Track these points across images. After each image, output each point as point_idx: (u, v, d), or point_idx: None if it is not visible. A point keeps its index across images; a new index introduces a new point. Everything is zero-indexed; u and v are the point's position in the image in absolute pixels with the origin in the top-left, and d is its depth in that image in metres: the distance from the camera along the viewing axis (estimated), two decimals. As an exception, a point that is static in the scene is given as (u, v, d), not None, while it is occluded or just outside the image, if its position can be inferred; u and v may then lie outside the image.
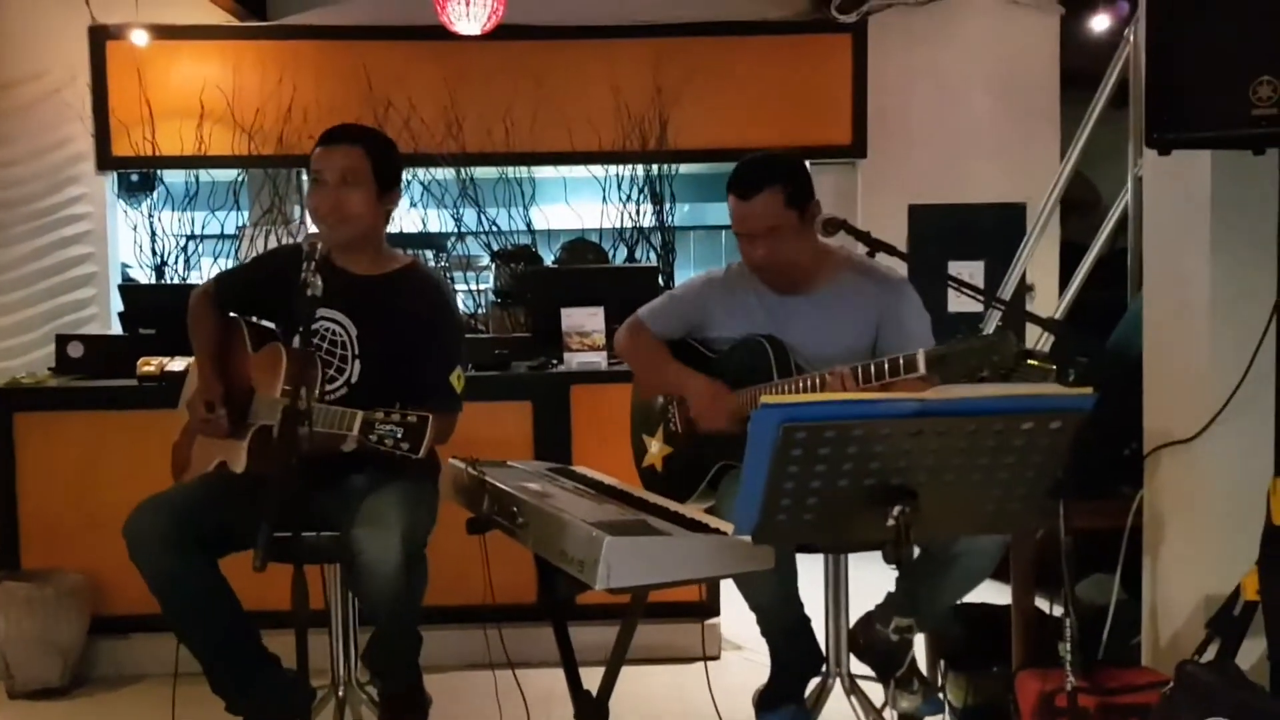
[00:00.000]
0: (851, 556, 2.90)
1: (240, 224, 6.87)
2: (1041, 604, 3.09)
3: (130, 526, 2.68)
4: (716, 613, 4.08)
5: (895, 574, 2.33)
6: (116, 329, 5.12)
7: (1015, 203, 6.58)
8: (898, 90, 6.74)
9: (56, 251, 6.54)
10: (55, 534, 4.05)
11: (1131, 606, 3.06)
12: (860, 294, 2.92)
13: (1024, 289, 6.15)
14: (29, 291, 6.50)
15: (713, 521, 2.25)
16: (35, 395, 4.14)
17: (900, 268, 3.06)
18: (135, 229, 6.82)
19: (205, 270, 6.83)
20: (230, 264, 6.63)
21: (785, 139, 6.36)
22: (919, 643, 3.32)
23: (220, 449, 2.86)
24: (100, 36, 6.46)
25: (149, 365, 3.99)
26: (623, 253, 6.85)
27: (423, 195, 6.86)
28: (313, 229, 2.89)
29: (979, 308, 4.40)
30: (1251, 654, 2.52)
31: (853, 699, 2.92)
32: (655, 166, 6.77)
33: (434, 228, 7.07)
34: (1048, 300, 6.33)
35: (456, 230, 6.97)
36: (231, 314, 3.03)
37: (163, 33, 6.40)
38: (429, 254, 7.22)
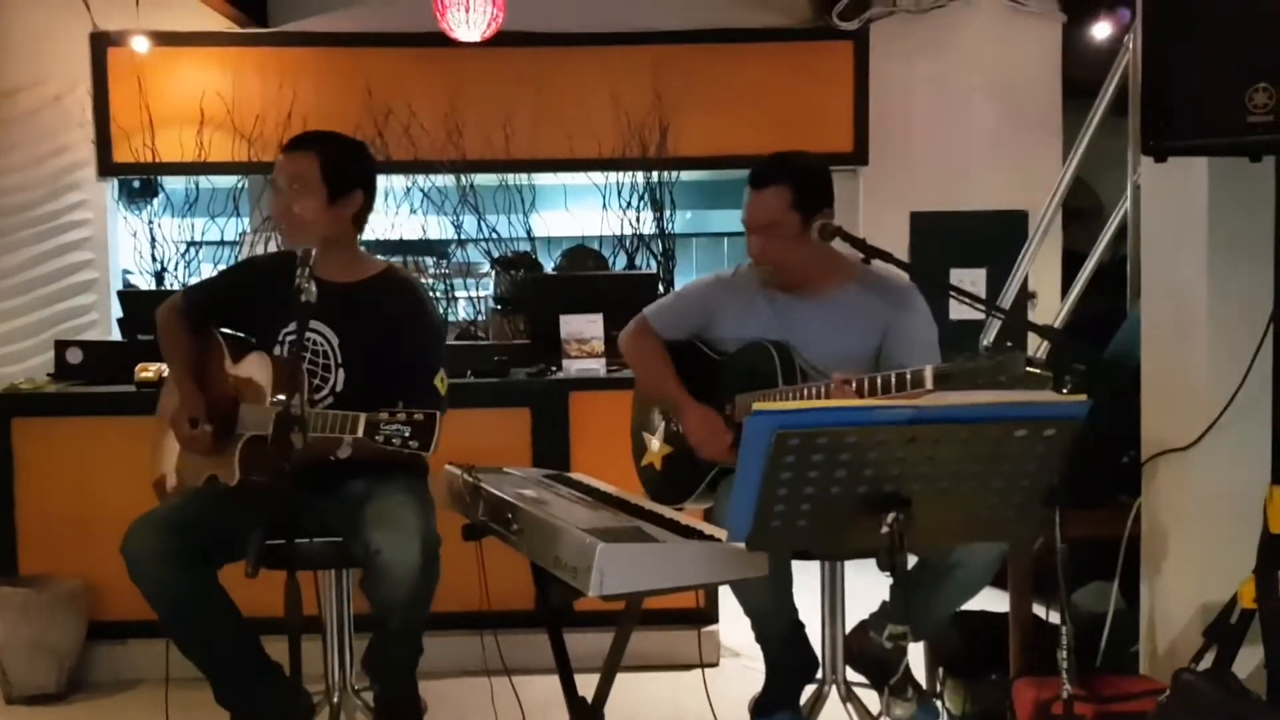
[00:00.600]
0: (848, 564, 2.89)
1: (240, 230, 6.87)
2: (1040, 611, 3.08)
3: (128, 546, 2.66)
4: (715, 620, 4.07)
5: (890, 581, 2.32)
6: (117, 335, 5.12)
7: (1017, 210, 6.55)
8: (899, 97, 6.73)
9: (57, 258, 6.55)
10: (52, 539, 4.04)
11: (1130, 614, 3.05)
12: (868, 301, 2.92)
13: (1027, 296, 6.13)
14: (29, 298, 6.51)
15: (707, 528, 2.25)
16: (33, 400, 4.14)
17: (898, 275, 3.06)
18: (136, 235, 6.82)
19: (206, 276, 6.83)
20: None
21: (786, 146, 6.07)
22: (917, 650, 3.31)
23: (209, 463, 2.83)
24: (101, 43, 6.47)
25: (147, 371, 3.99)
26: (623, 260, 6.85)
27: (423, 202, 6.86)
28: None
29: (980, 315, 4.38)
30: (1249, 662, 2.50)
31: (848, 706, 2.91)
32: (655, 173, 6.77)
33: (434, 234, 7.06)
34: (1050, 307, 6.31)
35: (457, 237, 6.97)
36: (205, 326, 2.99)
37: (164, 39, 6.41)
38: (429, 261, 7.22)
